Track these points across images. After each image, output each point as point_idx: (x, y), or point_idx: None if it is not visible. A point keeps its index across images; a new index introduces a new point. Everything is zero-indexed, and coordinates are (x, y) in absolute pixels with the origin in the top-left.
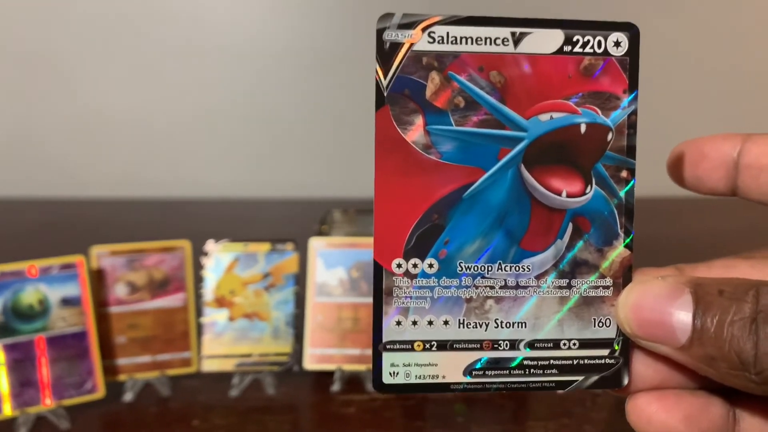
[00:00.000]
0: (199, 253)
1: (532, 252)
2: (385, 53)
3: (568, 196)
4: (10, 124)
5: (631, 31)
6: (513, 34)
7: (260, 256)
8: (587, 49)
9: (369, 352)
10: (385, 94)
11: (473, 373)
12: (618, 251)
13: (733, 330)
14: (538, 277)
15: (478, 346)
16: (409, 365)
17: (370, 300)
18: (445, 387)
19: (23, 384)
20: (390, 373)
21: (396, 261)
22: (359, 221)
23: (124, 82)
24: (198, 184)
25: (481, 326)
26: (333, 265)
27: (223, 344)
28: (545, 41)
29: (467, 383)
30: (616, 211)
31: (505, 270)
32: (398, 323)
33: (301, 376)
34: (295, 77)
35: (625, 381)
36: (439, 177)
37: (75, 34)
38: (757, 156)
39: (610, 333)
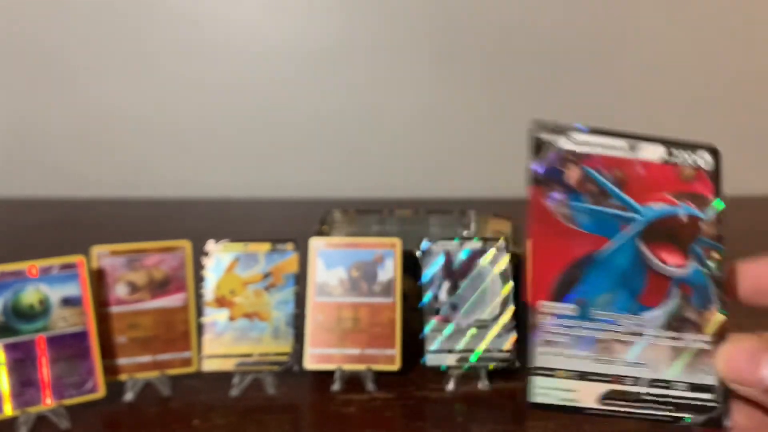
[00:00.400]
0: (199, 253)
1: (648, 307)
2: (537, 148)
3: (674, 266)
4: (12, 125)
5: (715, 152)
6: (630, 144)
7: (260, 256)
8: (684, 161)
9: (369, 351)
10: (538, 178)
11: (603, 400)
12: (715, 315)
13: None
14: (654, 328)
15: (609, 379)
16: (553, 389)
17: (369, 300)
18: (581, 410)
19: (24, 384)
20: (539, 394)
21: (543, 303)
22: (359, 221)
23: (126, 83)
24: (198, 184)
25: (610, 363)
26: (333, 265)
27: (224, 344)
28: (653, 152)
29: (598, 409)
30: (710, 282)
31: (629, 319)
32: (544, 353)
33: (301, 376)
34: (296, 78)
35: (726, 423)
36: (576, 241)
37: (77, 35)
38: None
39: (712, 381)
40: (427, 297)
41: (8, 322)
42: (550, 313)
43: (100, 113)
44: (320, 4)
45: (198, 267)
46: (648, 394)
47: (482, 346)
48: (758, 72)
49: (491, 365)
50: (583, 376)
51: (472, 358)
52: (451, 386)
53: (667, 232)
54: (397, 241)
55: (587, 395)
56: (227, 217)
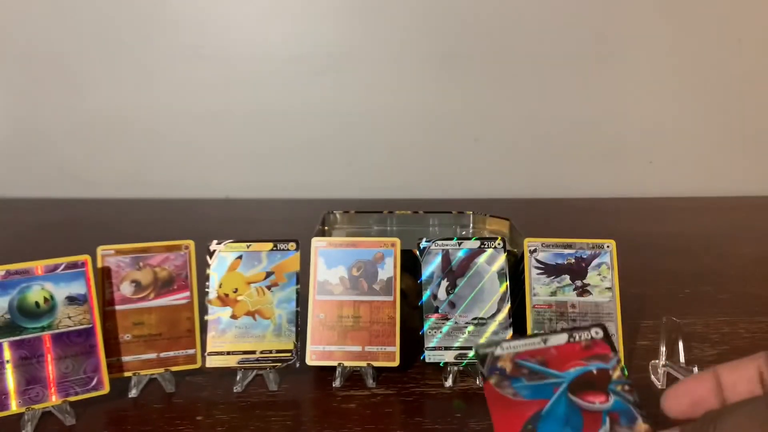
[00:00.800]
0: (203, 252)
1: None
2: (483, 359)
3: (600, 403)
4: (18, 127)
5: (603, 326)
6: (543, 339)
7: (263, 255)
8: (583, 338)
9: (369, 348)
10: (486, 376)
11: None
12: (640, 425)
13: None
14: None
15: None
16: None
17: (370, 298)
18: None
19: (30, 381)
20: None
21: None
22: (359, 221)
23: (130, 85)
24: (201, 184)
25: None
26: (334, 264)
27: (227, 341)
28: (559, 339)
29: None
30: (630, 406)
31: None
32: None
33: (302, 373)
34: (297, 80)
35: None
36: (525, 407)
37: (81, 37)
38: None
39: None
40: (426, 295)
41: (14, 320)
42: None
43: (106, 115)
44: (321, 6)
45: (202, 266)
46: None
47: (480, 343)
48: (758, 72)
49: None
50: None
51: (471, 355)
52: (449, 383)
53: (587, 383)
54: (396, 241)
55: None
56: (230, 217)
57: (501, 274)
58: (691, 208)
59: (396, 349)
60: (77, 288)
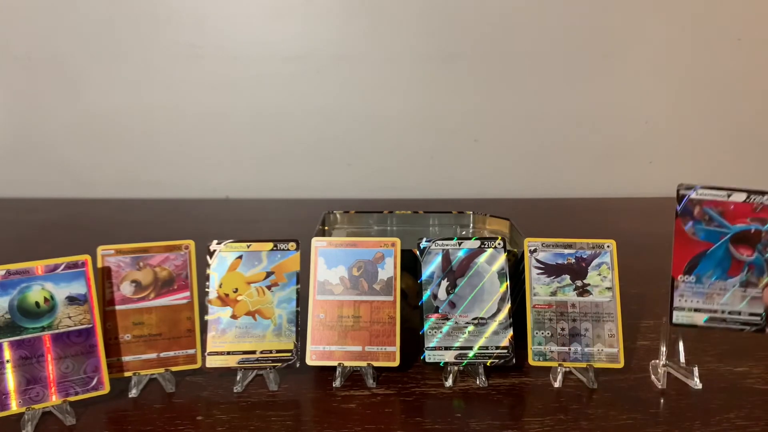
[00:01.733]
0: (203, 252)
1: (732, 277)
2: (679, 197)
3: (746, 256)
4: (19, 127)
5: None
6: (727, 194)
7: (263, 255)
8: (756, 200)
9: (369, 348)
10: (679, 213)
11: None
12: (765, 279)
13: None
14: (734, 286)
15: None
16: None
17: (370, 298)
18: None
19: (30, 380)
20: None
21: (680, 276)
22: (359, 221)
23: (130, 85)
24: (202, 185)
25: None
26: (334, 263)
27: (227, 341)
28: (739, 197)
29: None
30: (764, 263)
31: (723, 282)
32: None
33: (302, 372)
34: (297, 80)
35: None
36: (698, 245)
37: (81, 37)
38: None
39: (761, 309)
40: (426, 295)
41: (15, 320)
42: (683, 281)
43: (105, 115)
44: (322, 7)
45: (202, 266)
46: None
47: (480, 343)
48: (757, 72)
49: (489, 361)
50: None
51: (471, 355)
52: (449, 383)
53: (744, 238)
54: (396, 241)
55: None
56: (230, 217)
57: (501, 274)
58: None
59: (396, 349)
60: (77, 288)
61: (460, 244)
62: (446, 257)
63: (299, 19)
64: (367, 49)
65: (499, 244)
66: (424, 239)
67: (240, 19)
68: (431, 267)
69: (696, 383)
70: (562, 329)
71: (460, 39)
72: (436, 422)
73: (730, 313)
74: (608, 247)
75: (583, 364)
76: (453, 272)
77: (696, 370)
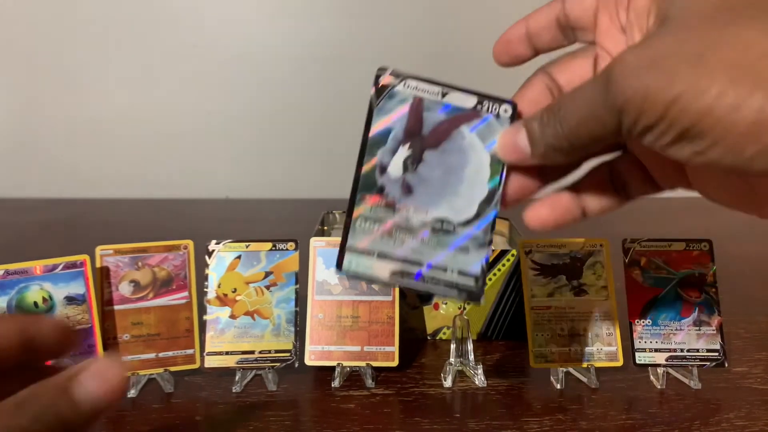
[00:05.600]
0: (202, 252)
1: (684, 317)
2: (625, 252)
3: (695, 297)
4: (17, 127)
5: (709, 242)
6: (667, 244)
7: (262, 255)
8: (695, 248)
9: (368, 348)
10: (627, 264)
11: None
12: (715, 317)
13: (544, 131)
14: (688, 326)
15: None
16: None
17: (368, 298)
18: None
19: None
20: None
21: (637, 320)
22: None
23: (128, 84)
24: (200, 184)
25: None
26: (333, 264)
27: (226, 341)
28: (678, 247)
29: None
30: (713, 303)
31: (677, 323)
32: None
33: (301, 373)
34: (297, 79)
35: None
36: (648, 292)
37: (79, 37)
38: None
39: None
40: (374, 163)
41: None
42: (640, 325)
43: (104, 115)
44: (323, 5)
45: (201, 266)
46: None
47: (435, 258)
48: None
49: (440, 293)
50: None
51: (421, 274)
52: (449, 382)
53: (690, 282)
54: None
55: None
56: (229, 217)
57: (496, 159)
58: (690, 208)
59: (395, 349)
60: (76, 288)
61: (444, 95)
62: (416, 111)
63: (300, 19)
64: (368, 49)
65: (505, 110)
66: (389, 69)
67: (241, 19)
68: (389, 120)
69: (695, 383)
70: (562, 330)
71: (460, 38)
72: (435, 422)
73: (689, 350)
74: (601, 246)
75: (584, 364)
76: (421, 138)
77: (695, 370)
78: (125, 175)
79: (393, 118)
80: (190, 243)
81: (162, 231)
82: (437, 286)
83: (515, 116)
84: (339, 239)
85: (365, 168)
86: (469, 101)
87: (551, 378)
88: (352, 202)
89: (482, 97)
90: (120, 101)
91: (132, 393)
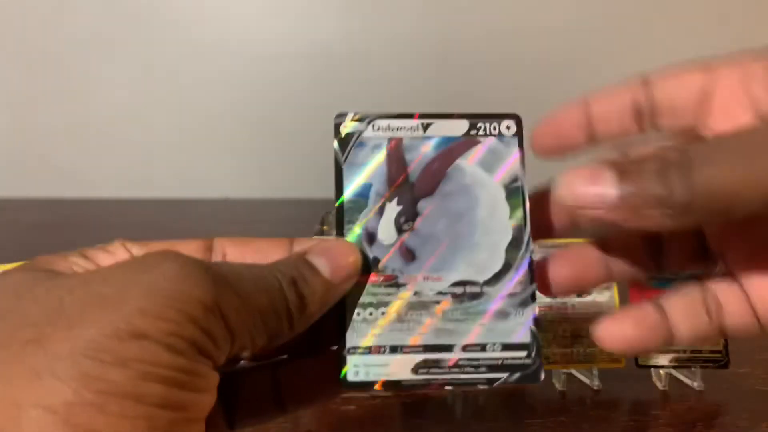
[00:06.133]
0: None
1: None
2: None
3: None
4: (13, 125)
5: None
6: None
7: None
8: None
9: None
10: None
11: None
12: None
13: (648, 180)
14: None
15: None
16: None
17: None
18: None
19: None
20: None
21: None
22: None
23: (126, 83)
24: (199, 184)
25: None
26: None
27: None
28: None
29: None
30: None
31: None
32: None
33: None
34: (296, 78)
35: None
36: (650, 292)
37: (76, 34)
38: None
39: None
40: (356, 234)
41: None
42: None
43: (102, 114)
44: (323, 4)
45: None
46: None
47: (470, 337)
48: None
49: (496, 383)
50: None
51: (451, 365)
52: (450, 385)
53: None
54: None
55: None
56: (229, 217)
57: (512, 190)
58: None
59: None
60: None
61: (426, 128)
62: (396, 155)
63: (300, 17)
64: (368, 48)
65: (507, 127)
66: (348, 114)
67: (241, 17)
68: (364, 174)
69: (698, 384)
70: (564, 331)
71: (461, 37)
72: (437, 425)
73: (692, 351)
74: None
75: (586, 365)
76: (411, 186)
77: (698, 371)
78: (123, 175)
79: (369, 171)
80: None
81: (161, 231)
82: (479, 374)
83: (521, 132)
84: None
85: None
86: (460, 127)
87: (553, 380)
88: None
89: (474, 118)
90: (119, 100)
91: None
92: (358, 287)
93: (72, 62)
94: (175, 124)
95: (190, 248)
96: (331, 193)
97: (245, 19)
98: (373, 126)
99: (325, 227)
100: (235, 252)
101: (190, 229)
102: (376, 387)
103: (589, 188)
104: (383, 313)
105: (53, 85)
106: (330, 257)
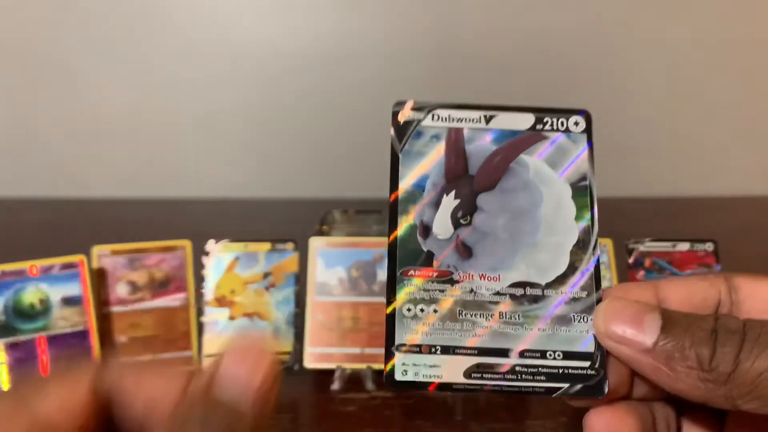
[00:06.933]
0: (199, 252)
1: None
2: (629, 252)
3: None
4: (12, 125)
5: (714, 242)
6: (672, 244)
7: (261, 256)
8: (699, 248)
9: (368, 350)
10: (631, 265)
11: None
12: None
13: (695, 337)
14: None
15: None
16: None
17: (369, 299)
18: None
19: None
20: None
21: None
22: (359, 221)
23: (125, 82)
24: (198, 184)
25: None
26: (333, 264)
27: (224, 343)
28: (682, 247)
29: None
30: None
31: None
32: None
33: (301, 375)
34: (296, 77)
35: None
36: None
37: (76, 34)
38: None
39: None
40: (409, 226)
41: (9, 321)
42: None
43: (101, 113)
44: (323, 5)
45: (198, 267)
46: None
47: (528, 342)
48: (758, 72)
49: (554, 393)
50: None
51: (508, 371)
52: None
53: None
54: None
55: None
56: (227, 217)
57: (580, 188)
58: (694, 208)
59: None
60: (72, 289)
61: (488, 120)
62: (456, 146)
63: (299, 17)
64: (368, 47)
65: (576, 123)
66: (408, 102)
67: (240, 17)
68: (422, 165)
69: None
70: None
71: (462, 37)
72: (437, 425)
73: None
74: (605, 246)
75: None
76: (470, 180)
77: None
78: (122, 174)
79: (426, 162)
80: (188, 243)
81: (159, 231)
82: (537, 381)
83: (590, 129)
84: (339, 239)
85: (400, 233)
86: (525, 121)
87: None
88: (392, 283)
89: (541, 112)
90: (117, 99)
91: None
92: (410, 282)
93: (72, 62)
94: (175, 124)
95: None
96: (331, 193)
97: (245, 19)
98: (433, 115)
99: (324, 227)
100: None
101: (187, 229)
102: (429, 389)
103: (626, 328)
104: (435, 311)
105: (53, 85)
106: (243, 378)
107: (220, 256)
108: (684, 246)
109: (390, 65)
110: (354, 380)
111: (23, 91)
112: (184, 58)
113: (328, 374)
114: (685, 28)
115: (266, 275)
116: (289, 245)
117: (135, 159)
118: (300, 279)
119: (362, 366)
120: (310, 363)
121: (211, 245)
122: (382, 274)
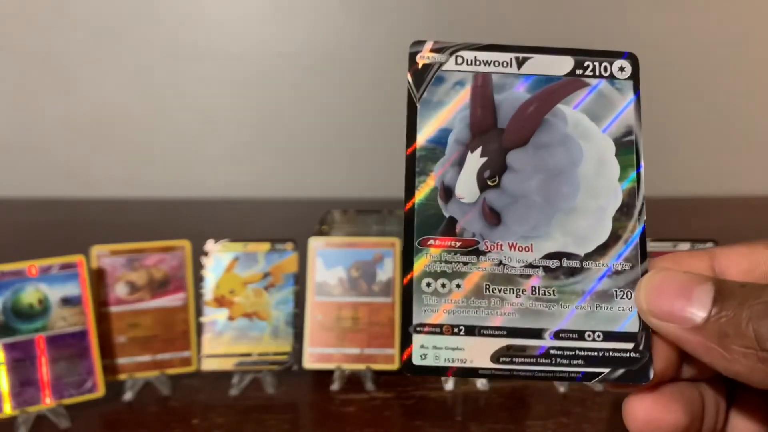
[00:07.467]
0: (199, 252)
1: None
2: None
3: None
4: (11, 125)
5: None
6: (672, 244)
7: (260, 256)
8: (699, 248)
9: (368, 351)
10: None
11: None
12: None
13: (753, 311)
14: None
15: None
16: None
17: (369, 299)
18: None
19: (23, 383)
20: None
21: None
22: (358, 221)
23: (125, 83)
24: (198, 184)
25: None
26: (332, 264)
27: (223, 343)
28: (683, 247)
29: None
30: None
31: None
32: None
33: (300, 375)
34: (295, 78)
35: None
36: None
37: (75, 34)
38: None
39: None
40: (428, 188)
41: (8, 321)
42: None
43: (100, 113)
44: (322, 6)
45: (198, 267)
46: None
47: (564, 321)
48: (758, 72)
49: (593, 379)
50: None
51: (542, 353)
52: (450, 385)
53: None
54: (396, 241)
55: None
56: (226, 216)
57: (624, 144)
58: (695, 208)
59: (395, 351)
60: (71, 289)
61: (521, 64)
62: (483, 95)
63: (299, 17)
64: (368, 50)
65: (621, 68)
66: (428, 42)
67: (240, 17)
68: (443, 116)
69: None
70: None
71: (462, 37)
72: (437, 426)
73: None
74: None
75: None
76: (499, 134)
77: None
78: (121, 174)
79: (448, 112)
80: (187, 243)
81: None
82: (573, 366)
83: (638, 75)
84: (339, 239)
85: (418, 196)
86: (563, 65)
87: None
88: (408, 255)
89: (581, 54)
90: (116, 100)
91: (128, 396)
92: (430, 252)
93: (72, 62)
94: (175, 124)
95: None
96: (331, 193)
97: (245, 19)
98: (457, 58)
99: (324, 227)
100: None
101: (189, 228)
102: (447, 374)
103: (673, 302)
104: (458, 286)
105: (53, 85)
106: None
107: (219, 256)
108: (684, 246)
109: (390, 65)
110: (353, 381)
111: (23, 92)
112: (184, 59)
113: (327, 374)
114: (685, 28)
115: (266, 275)
116: (289, 245)
117: (134, 159)
118: (299, 279)
119: (361, 366)
120: (309, 363)
121: (210, 245)
122: (382, 274)
